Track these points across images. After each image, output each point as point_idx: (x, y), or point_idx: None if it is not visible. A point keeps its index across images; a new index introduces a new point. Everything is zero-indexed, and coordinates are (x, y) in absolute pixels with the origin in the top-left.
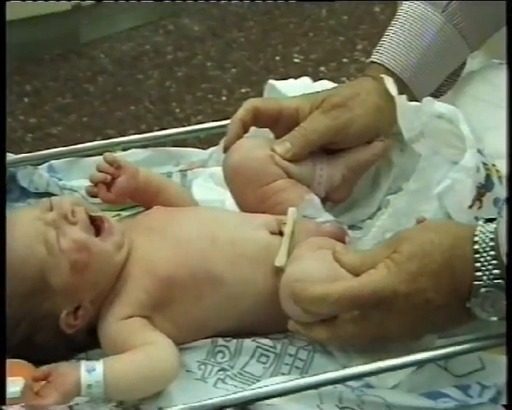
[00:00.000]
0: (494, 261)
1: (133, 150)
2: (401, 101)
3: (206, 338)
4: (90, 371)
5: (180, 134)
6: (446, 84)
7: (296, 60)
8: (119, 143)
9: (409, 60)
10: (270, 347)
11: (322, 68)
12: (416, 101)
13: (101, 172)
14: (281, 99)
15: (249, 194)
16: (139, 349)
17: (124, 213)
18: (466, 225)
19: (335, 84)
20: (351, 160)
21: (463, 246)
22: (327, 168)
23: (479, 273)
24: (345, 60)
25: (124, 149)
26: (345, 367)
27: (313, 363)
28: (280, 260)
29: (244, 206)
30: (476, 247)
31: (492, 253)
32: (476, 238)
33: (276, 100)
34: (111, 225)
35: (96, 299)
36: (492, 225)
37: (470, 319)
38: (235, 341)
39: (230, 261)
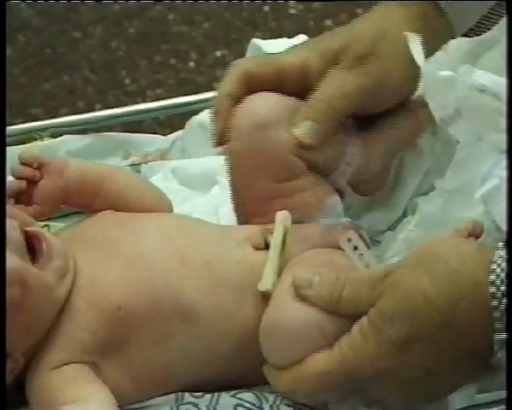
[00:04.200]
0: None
1: (66, 137)
2: (428, 69)
3: (168, 393)
4: None
5: (132, 114)
6: (490, 16)
7: (292, 10)
8: (46, 128)
9: None
10: (255, 405)
11: (327, 22)
12: (452, 37)
13: (18, 178)
14: (278, 55)
15: (256, 189)
16: (68, 408)
17: (54, 224)
18: (482, 249)
19: None
20: (392, 135)
21: (472, 296)
22: (361, 146)
23: (499, 325)
24: (359, 10)
25: (53, 136)
26: None
27: None
28: (265, 284)
29: (244, 205)
30: (493, 290)
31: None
32: (492, 277)
33: (271, 57)
34: (51, 245)
35: (30, 347)
36: None
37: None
38: (208, 396)
39: (205, 289)
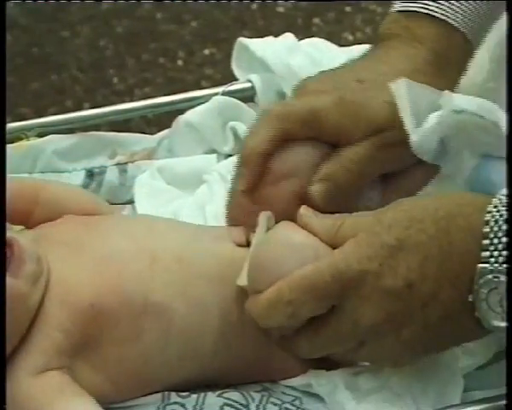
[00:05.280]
0: (505, 239)
1: (52, 137)
2: (416, 136)
3: (154, 393)
4: None
5: (119, 113)
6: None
7: (280, 9)
8: (33, 127)
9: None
10: (242, 405)
11: (315, 20)
12: (471, 52)
13: None
14: (319, 110)
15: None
16: None
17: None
18: (483, 195)
19: (330, 45)
20: (407, 184)
21: (469, 215)
22: (379, 192)
23: (486, 254)
24: (348, 9)
25: (40, 135)
26: None
27: None
28: (244, 278)
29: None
30: (487, 218)
31: (505, 228)
32: (490, 208)
33: (312, 113)
34: (21, 249)
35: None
36: None
37: (474, 324)
38: (194, 396)
39: (179, 284)
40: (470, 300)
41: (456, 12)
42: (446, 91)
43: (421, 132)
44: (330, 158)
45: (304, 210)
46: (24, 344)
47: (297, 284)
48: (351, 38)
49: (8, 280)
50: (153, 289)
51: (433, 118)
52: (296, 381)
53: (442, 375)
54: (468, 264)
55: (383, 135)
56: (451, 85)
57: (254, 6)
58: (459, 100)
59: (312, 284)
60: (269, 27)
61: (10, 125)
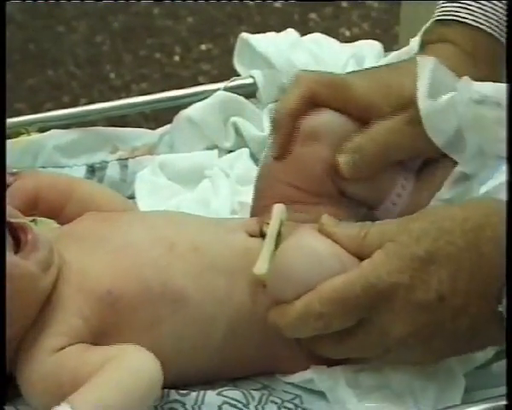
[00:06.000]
0: None
1: (53, 132)
2: (424, 104)
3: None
4: None
5: (117, 109)
6: None
7: (277, 4)
8: (32, 122)
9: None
10: (242, 403)
11: (312, 16)
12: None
13: None
14: (346, 80)
15: (281, 189)
16: (105, 367)
17: (41, 219)
18: (505, 203)
19: (332, 40)
20: (436, 182)
21: (496, 225)
22: (410, 188)
23: None
24: (344, 4)
25: (41, 130)
26: None
27: None
28: (260, 267)
29: (264, 200)
30: None
31: None
32: None
33: (340, 80)
34: (35, 236)
35: (15, 337)
36: None
37: (502, 332)
38: (194, 394)
39: (195, 273)
40: (500, 309)
41: (486, 15)
42: (465, 77)
43: (431, 105)
44: (360, 131)
45: (326, 219)
46: (43, 328)
47: (327, 297)
48: (347, 33)
49: (18, 260)
50: (170, 277)
51: (445, 97)
52: (297, 377)
53: (443, 374)
54: (496, 274)
55: (410, 110)
56: (480, 79)
57: (251, 1)
58: (477, 85)
59: (343, 297)
60: (265, 23)
61: (9, 121)
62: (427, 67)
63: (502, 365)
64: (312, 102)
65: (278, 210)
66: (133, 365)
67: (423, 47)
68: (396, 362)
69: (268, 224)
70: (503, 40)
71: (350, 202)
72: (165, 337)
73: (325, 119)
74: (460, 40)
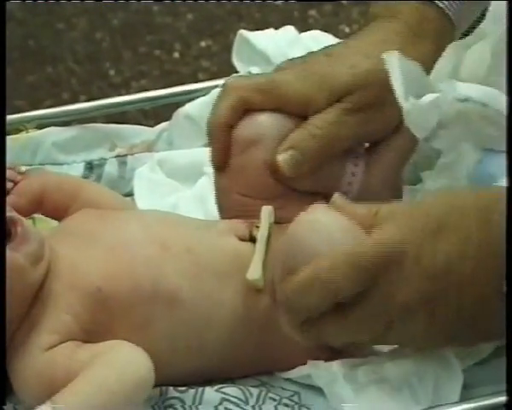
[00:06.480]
0: None
1: (52, 129)
2: (407, 104)
3: (154, 387)
4: None
5: (117, 105)
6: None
7: (277, 1)
8: (31, 119)
9: None
10: (240, 400)
11: (311, 12)
12: (450, 26)
13: None
14: (276, 82)
15: (235, 202)
16: (92, 364)
17: (40, 217)
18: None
19: (331, 37)
20: (390, 156)
21: (503, 213)
22: (363, 165)
23: None
24: (344, 1)
25: (39, 127)
26: None
27: None
28: (253, 273)
29: (227, 209)
30: None
31: None
32: None
33: (269, 83)
34: (26, 229)
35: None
36: None
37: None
38: (192, 391)
39: (188, 273)
40: (504, 290)
41: None
42: (449, 79)
43: (415, 105)
44: (297, 127)
45: (337, 198)
46: (35, 324)
47: (337, 262)
48: (347, 30)
49: (9, 254)
50: (162, 276)
51: (429, 97)
52: (295, 372)
53: (441, 369)
54: (504, 254)
55: (347, 99)
56: (423, 57)
57: None
58: (462, 87)
59: (353, 261)
60: (265, 20)
61: (9, 117)
62: (394, 62)
63: (500, 362)
64: (244, 109)
65: (266, 213)
66: (120, 361)
67: (369, 20)
68: (397, 341)
69: (257, 227)
70: (451, 14)
71: (305, 196)
72: (158, 337)
73: (257, 124)
74: (404, 12)
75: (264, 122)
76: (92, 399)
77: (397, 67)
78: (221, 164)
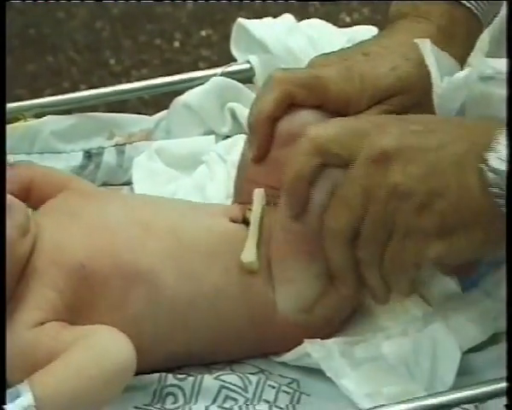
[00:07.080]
0: None
1: (50, 117)
2: (438, 81)
3: (151, 373)
4: (14, 400)
5: (116, 94)
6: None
7: None
8: (30, 108)
9: None
10: (240, 387)
11: (312, 1)
12: (478, 26)
13: None
14: (321, 77)
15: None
16: (72, 347)
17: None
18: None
19: (330, 25)
20: None
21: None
22: None
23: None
24: None
25: (37, 116)
26: None
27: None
28: (248, 255)
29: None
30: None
31: None
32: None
33: (315, 77)
34: (12, 202)
35: None
36: None
37: (484, 196)
38: (191, 379)
39: (170, 254)
40: (483, 167)
41: None
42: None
43: (449, 84)
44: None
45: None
46: (20, 301)
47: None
48: (348, 19)
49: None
50: (143, 257)
51: (462, 73)
52: (292, 354)
53: (437, 348)
54: (486, 136)
55: (390, 102)
56: (454, 58)
57: None
58: (491, 61)
59: (352, 126)
60: (265, 8)
61: (8, 106)
62: (427, 49)
63: (498, 348)
64: (289, 103)
65: (259, 196)
66: (101, 346)
67: (392, 21)
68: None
69: (250, 210)
70: (480, 14)
71: None
72: (140, 319)
73: (302, 119)
74: (434, 14)
75: (309, 119)
76: (70, 382)
77: (430, 52)
78: (260, 155)
